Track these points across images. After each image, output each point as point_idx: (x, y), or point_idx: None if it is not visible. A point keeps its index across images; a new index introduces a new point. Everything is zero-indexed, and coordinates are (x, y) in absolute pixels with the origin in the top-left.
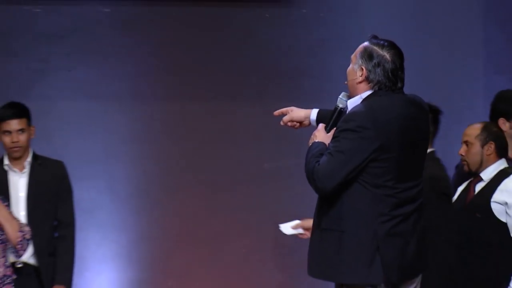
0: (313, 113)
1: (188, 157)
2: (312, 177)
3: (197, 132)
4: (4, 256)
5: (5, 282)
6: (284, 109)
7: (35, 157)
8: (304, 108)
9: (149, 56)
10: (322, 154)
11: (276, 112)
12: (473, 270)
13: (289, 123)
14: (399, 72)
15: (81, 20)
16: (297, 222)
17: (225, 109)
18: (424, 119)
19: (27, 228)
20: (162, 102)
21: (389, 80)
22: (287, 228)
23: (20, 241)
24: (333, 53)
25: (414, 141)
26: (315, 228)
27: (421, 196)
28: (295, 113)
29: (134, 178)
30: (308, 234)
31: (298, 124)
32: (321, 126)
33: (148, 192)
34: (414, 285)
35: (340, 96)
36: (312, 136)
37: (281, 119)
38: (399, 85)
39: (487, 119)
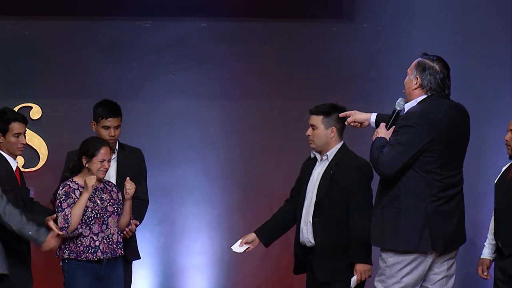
0: (373, 116)
1: (268, 145)
2: (377, 164)
3: (275, 125)
4: (117, 226)
5: (118, 247)
6: (348, 112)
7: (121, 145)
8: (364, 106)
9: (237, 63)
10: (384, 146)
11: (341, 115)
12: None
13: (352, 124)
14: (447, 81)
15: (182, 33)
16: (240, 240)
17: (299, 107)
18: (465, 121)
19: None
20: (247, 101)
21: (439, 87)
22: (237, 247)
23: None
24: (388, 61)
25: (457, 137)
26: (377, 206)
27: (462, 183)
28: (358, 115)
29: (224, 162)
30: (252, 246)
31: (359, 124)
32: (382, 124)
33: (236, 174)
34: (453, 255)
35: (398, 101)
36: (375, 133)
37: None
38: (447, 91)
39: None
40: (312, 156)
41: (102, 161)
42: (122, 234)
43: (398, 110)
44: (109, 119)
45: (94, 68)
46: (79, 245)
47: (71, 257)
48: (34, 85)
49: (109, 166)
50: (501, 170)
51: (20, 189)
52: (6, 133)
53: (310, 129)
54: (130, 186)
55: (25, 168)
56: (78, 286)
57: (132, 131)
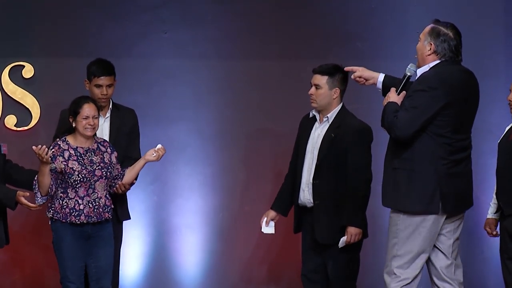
0: (381, 76)
1: (262, 105)
2: (392, 127)
3: (269, 84)
4: (105, 190)
5: (106, 211)
6: (355, 67)
7: (115, 105)
8: (360, 65)
9: (231, 22)
10: (397, 111)
11: (347, 68)
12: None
13: (357, 78)
14: (459, 47)
15: None
16: (264, 221)
17: (294, 66)
18: (476, 86)
19: None
20: (241, 60)
21: (452, 52)
22: (266, 229)
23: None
24: (382, 20)
25: (469, 102)
26: (388, 168)
27: (470, 148)
28: (366, 72)
29: (218, 121)
30: (276, 220)
31: (364, 81)
32: (393, 89)
33: (229, 133)
34: (461, 217)
35: (408, 66)
36: (385, 98)
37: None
38: (460, 57)
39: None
40: (311, 115)
41: (86, 118)
42: (115, 188)
43: (409, 75)
44: (102, 77)
45: (87, 26)
46: (64, 207)
47: (55, 218)
48: (26, 43)
49: (96, 123)
50: (504, 130)
51: None
52: None
53: (313, 88)
54: (162, 152)
55: (17, 127)
56: (65, 245)
57: (125, 89)
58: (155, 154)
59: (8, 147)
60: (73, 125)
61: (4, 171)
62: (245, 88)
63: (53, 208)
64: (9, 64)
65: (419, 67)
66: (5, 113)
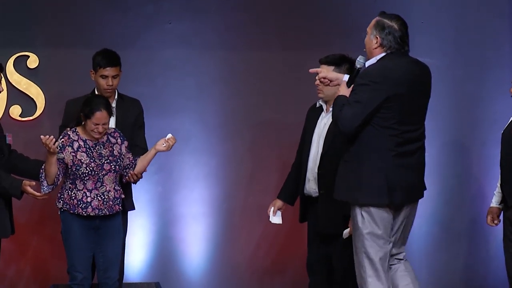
0: (346, 77)
1: (266, 95)
2: (337, 121)
3: (273, 75)
4: (114, 182)
5: (116, 203)
6: (318, 69)
7: (120, 96)
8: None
9: (234, 12)
10: (344, 105)
11: (312, 70)
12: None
13: (322, 79)
14: (406, 38)
15: None
16: (271, 211)
17: (298, 56)
18: (427, 76)
19: None
20: (244, 50)
21: (398, 44)
22: (274, 218)
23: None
24: (385, 10)
25: (418, 92)
26: (341, 161)
27: (423, 138)
28: (331, 73)
29: (222, 112)
30: (283, 210)
31: (329, 82)
32: (343, 82)
33: (233, 124)
34: (412, 206)
35: (358, 59)
36: (337, 91)
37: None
38: (406, 48)
39: None
40: (318, 105)
41: (96, 125)
42: (127, 177)
43: (359, 68)
44: (107, 68)
45: (92, 17)
46: (72, 198)
47: (64, 208)
48: (31, 34)
49: (105, 128)
50: (509, 119)
51: None
52: None
53: None
54: (172, 142)
55: (22, 117)
56: (73, 236)
57: (129, 80)
58: (165, 144)
59: (13, 137)
60: (83, 123)
61: (9, 161)
62: (249, 79)
63: (62, 199)
64: (14, 54)
65: (368, 59)
66: (10, 103)
